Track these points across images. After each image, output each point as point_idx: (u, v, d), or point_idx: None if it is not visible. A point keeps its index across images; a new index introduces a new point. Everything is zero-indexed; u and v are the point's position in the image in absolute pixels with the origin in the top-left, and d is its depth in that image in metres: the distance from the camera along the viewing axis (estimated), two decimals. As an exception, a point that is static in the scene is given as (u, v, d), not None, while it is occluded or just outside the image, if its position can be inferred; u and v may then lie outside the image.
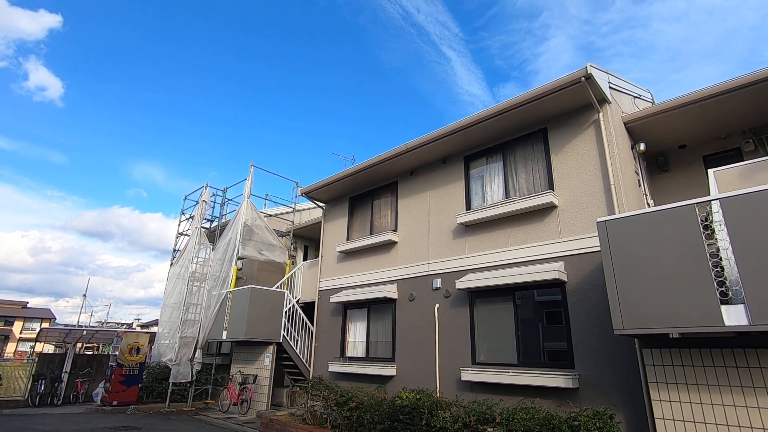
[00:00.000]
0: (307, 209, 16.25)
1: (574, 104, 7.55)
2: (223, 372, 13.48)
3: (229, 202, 15.58)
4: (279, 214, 15.76)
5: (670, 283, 4.78)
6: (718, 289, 4.46)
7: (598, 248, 5.91)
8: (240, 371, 11.62)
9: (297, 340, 11.71)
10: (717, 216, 4.69)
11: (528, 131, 8.30)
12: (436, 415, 6.31)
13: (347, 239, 11.45)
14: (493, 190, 8.62)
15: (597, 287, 6.48)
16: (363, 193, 11.61)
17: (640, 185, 7.91)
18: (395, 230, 10.20)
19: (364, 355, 9.89)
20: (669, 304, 4.74)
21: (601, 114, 7.31)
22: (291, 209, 15.48)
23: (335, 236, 11.92)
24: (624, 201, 6.77)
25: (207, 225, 15.11)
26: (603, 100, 7.39)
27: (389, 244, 10.19)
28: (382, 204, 11.04)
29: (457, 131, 8.68)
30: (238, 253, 12.57)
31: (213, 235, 14.88)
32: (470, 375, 7.51)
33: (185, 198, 16.55)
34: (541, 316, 7.40)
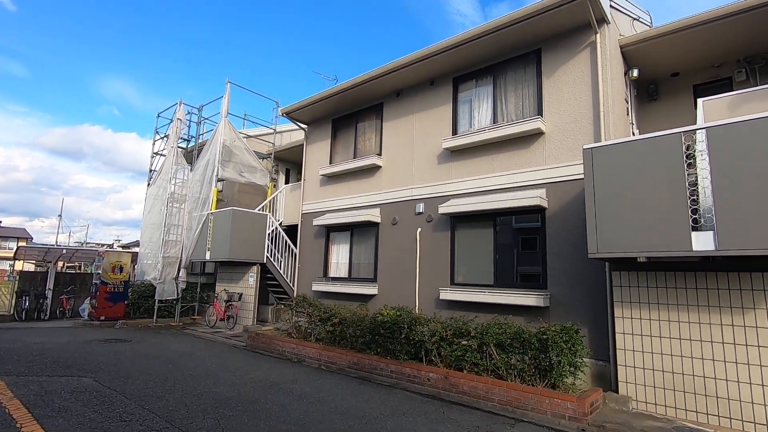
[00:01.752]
0: (289, 131, 15.71)
1: (572, 24, 7.14)
2: (208, 290, 13.86)
3: (206, 121, 14.87)
4: (259, 136, 15.21)
5: (647, 209, 4.93)
6: (691, 217, 4.63)
7: (581, 176, 5.97)
8: (225, 290, 11.95)
9: (280, 261, 11.97)
10: (701, 146, 4.72)
11: (521, 52, 7.91)
12: (414, 330, 6.72)
13: (330, 162, 11.25)
14: (480, 115, 8.41)
15: (575, 213, 6.66)
16: (346, 115, 11.19)
17: (627, 114, 7.83)
18: (379, 154, 10.03)
19: (346, 276, 10.24)
20: (644, 230, 4.93)
21: (598, 35, 6.97)
22: (271, 131, 14.93)
23: (318, 159, 11.68)
24: (611, 129, 6.73)
25: (183, 145, 14.53)
26: (602, 20, 7.00)
27: (373, 168, 10.07)
28: (366, 127, 10.72)
29: (446, 50, 8.20)
30: (217, 175, 12.28)
31: (191, 156, 14.38)
32: (448, 294, 7.91)
33: (158, 116, 15.71)
34: (518, 240, 7.66)
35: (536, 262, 7.21)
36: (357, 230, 10.22)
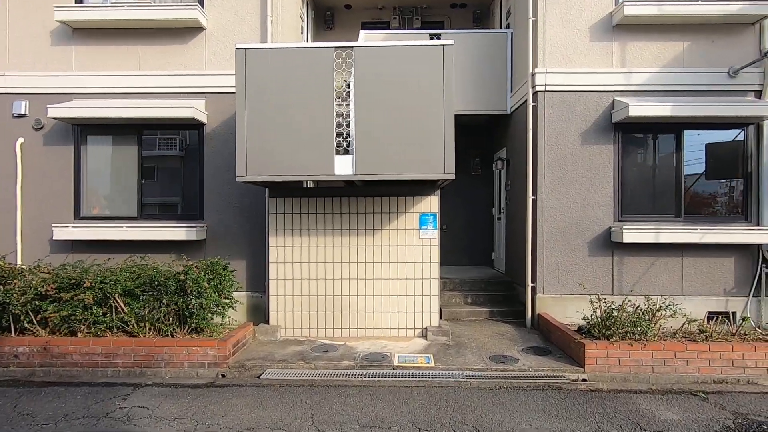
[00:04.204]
0: None
1: None
2: None
3: None
4: None
5: (300, 129, 4.48)
6: (335, 140, 4.47)
7: (240, 86, 5.01)
8: None
9: None
10: (350, 64, 4.54)
11: None
12: (-10, 289, 4.42)
13: None
14: (122, -14, 6.08)
15: (238, 133, 5.77)
16: None
17: (303, 33, 7.38)
18: (-62, 10, 6.05)
19: None
20: (296, 152, 4.49)
21: (272, -77, 5.92)
22: None
23: None
24: (281, 40, 6.01)
25: None
26: None
27: (-74, 33, 6.02)
28: None
29: None
30: None
31: None
32: (71, 233, 5.73)
33: None
34: (172, 161, 6.22)
35: (193, 188, 6.02)
36: None
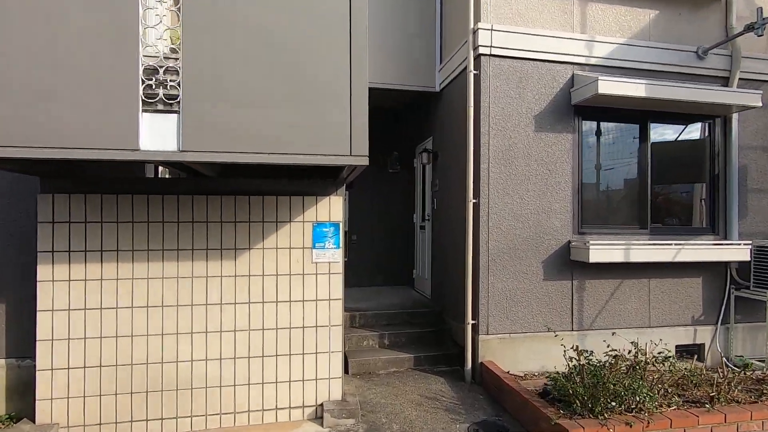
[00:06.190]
0: None
1: None
2: None
3: None
4: None
5: (72, 58, 2.25)
6: (145, 83, 2.33)
7: None
8: None
9: None
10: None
11: None
12: None
13: None
14: None
15: None
16: None
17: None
18: None
19: None
20: (59, 102, 2.25)
21: None
22: None
23: None
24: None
25: None
26: None
27: None
28: None
29: None
30: None
31: None
32: None
33: None
34: None
35: None
36: None
